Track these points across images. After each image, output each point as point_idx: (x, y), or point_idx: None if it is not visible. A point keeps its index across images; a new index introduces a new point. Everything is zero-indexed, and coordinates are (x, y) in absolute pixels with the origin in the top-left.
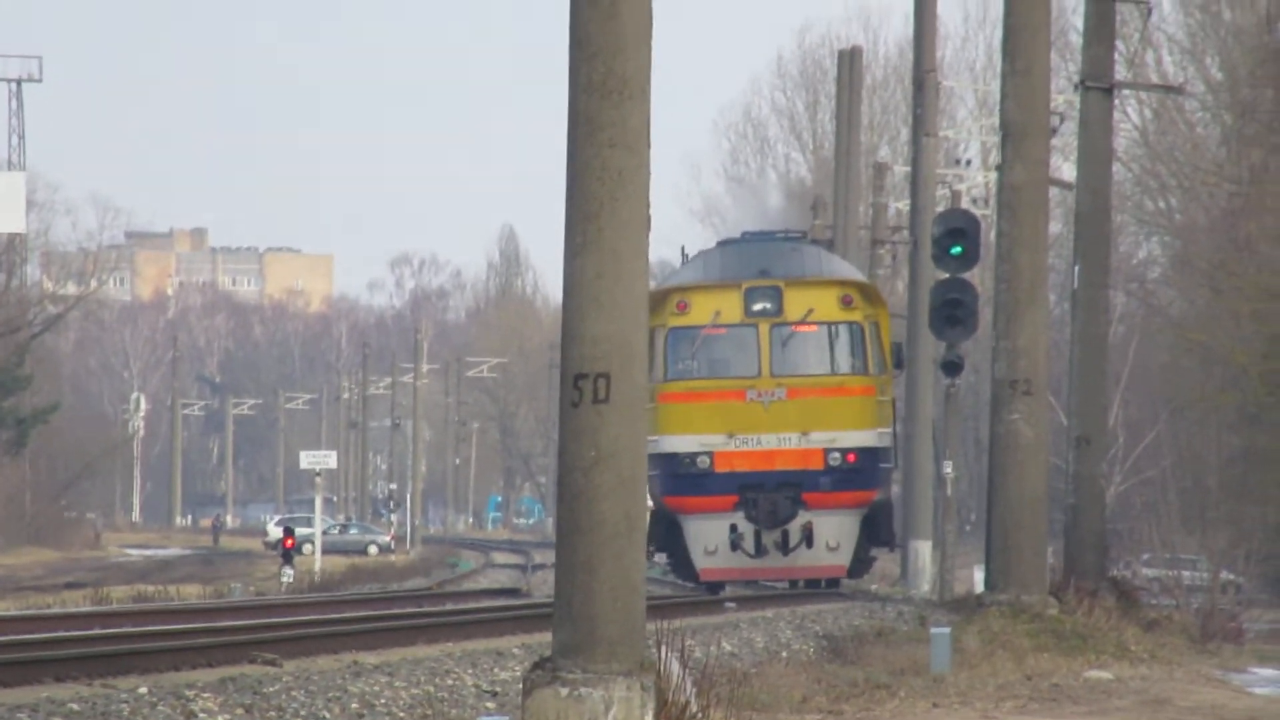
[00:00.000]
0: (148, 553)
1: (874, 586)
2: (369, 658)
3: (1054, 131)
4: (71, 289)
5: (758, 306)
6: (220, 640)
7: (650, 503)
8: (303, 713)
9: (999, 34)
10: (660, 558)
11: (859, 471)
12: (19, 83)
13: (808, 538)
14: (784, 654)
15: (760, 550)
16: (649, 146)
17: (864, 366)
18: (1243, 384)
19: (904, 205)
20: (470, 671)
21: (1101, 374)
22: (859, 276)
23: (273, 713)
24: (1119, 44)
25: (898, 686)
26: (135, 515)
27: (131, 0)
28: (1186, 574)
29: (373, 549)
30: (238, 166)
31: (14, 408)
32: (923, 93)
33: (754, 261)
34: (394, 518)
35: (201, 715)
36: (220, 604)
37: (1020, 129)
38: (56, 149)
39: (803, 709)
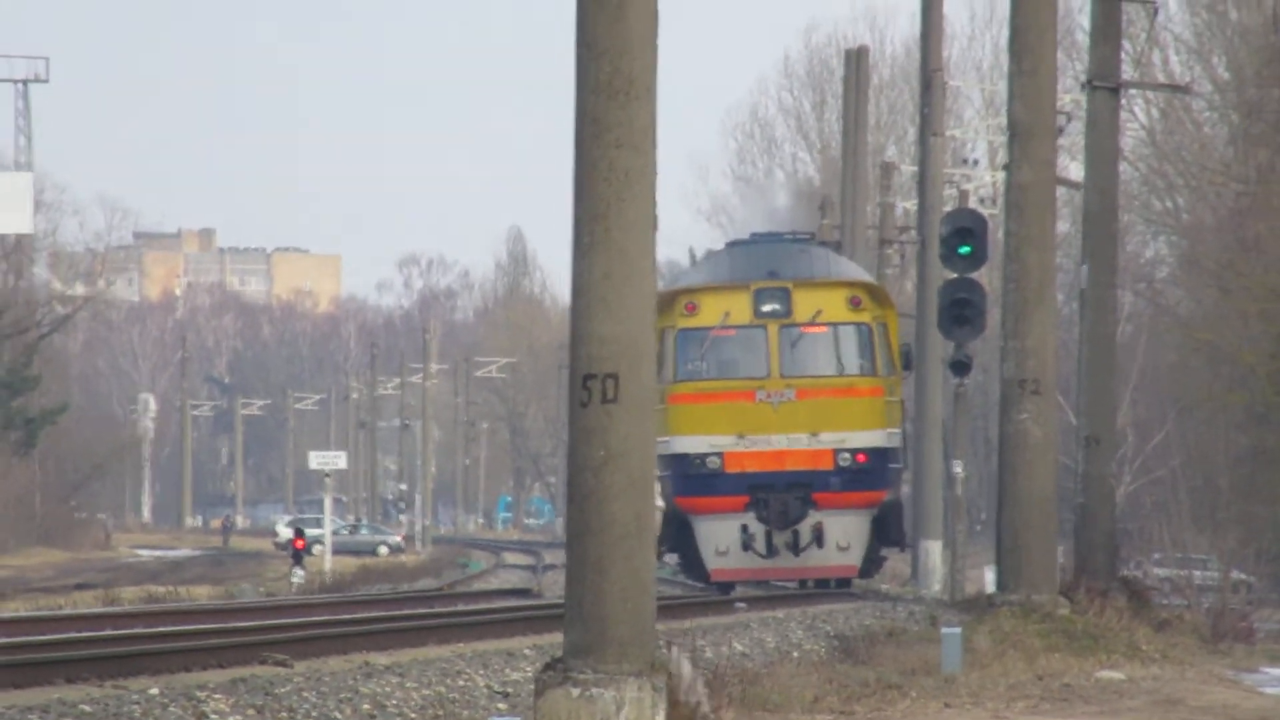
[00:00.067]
0: (158, 553)
1: (884, 586)
2: (380, 658)
3: (1061, 131)
4: (80, 289)
5: (767, 308)
6: (231, 641)
7: (661, 503)
8: (314, 713)
9: (1006, 34)
10: (670, 558)
11: (869, 472)
12: (26, 83)
13: (818, 538)
14: (795, 654)
15: (771, 550)
16: (655, 146)
17: (873, 367)
18: (1251, 383)
19: (911, 205)
20: (482, 672)
21: (1110, 373)
22: (867, 278)
23: (284, 713)
24: (1126, 44)
25: (909, 686)
26: (145, 516)
27: (138, 1)
28: (1197, 573)
29: (383, 549)
30: (246, 167)
31: (23, 408)
32: (930, 92)
33: (763, 263)
34: (404, 518)
35: (213, 716)
36: (231, 605)
37: (1027, 129)
38: (64, 150)
39: (814, 709)
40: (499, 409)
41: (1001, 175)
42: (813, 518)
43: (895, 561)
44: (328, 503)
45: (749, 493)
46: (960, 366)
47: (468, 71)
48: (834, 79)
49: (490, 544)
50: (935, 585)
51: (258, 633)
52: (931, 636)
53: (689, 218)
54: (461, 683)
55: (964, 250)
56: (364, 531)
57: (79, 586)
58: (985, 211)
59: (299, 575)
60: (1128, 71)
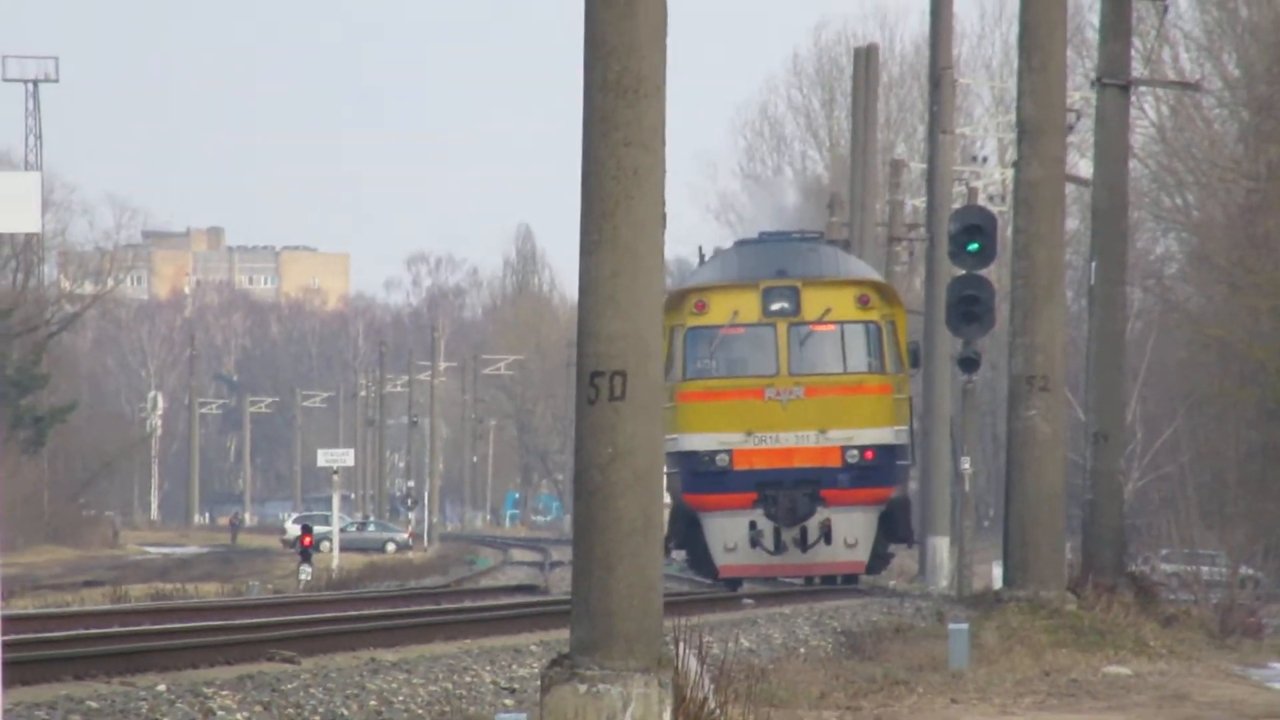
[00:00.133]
0: (166, 551)
1: (892, 583)
2: (387, 655)
3: (1071, 128)
4: (88, 288)
5: (775, 306)
6: (238, 638)
7: (670, 500)
8: (321, 710)
9: (1015, 31)
10: (678, 554)
11: (877, 469)
12: (35, 83)
13: (826, 534)
14: (802, 650)
15: (779, 547)
16: (664, 145)
17: (881, 365)
18: (1260, 379)
19: (920, 202)
20: (488, 668)
21: (1119, 370)
22: (876, 276)
23: (291, 710)
24: (1135, 41)
25: (916, 682)
26: (153, 513)
27: (147, 0)
28: (1205, 569)
29: (390, 546)
30: (254, 165)
31: (32, 406)
32: (939, 90)
33: (771, 261)
34: (412, 515)
35: (220, 713)
36: (238, 602)
37: (1037, 126)
38: (73, 149)
39: (821, 705)
40: (507, 406)
41: (1011, 172)
42: (821, 514)
43: (903, 558)
44: (335, 500)
45: (757, 490)
46: (969, 363)
47: (477, 69)
48: (843, 77)
49: (498, 541)
50: (943, 581)
51: (265, 630)
52: (939, 632)
53: (698, 216)
54: (468, 679)
55: (973, 247)
56: (371, 528)
57: (87, 584)
58: (994, 209)
59: (306, 572)
60: (1138, 69)
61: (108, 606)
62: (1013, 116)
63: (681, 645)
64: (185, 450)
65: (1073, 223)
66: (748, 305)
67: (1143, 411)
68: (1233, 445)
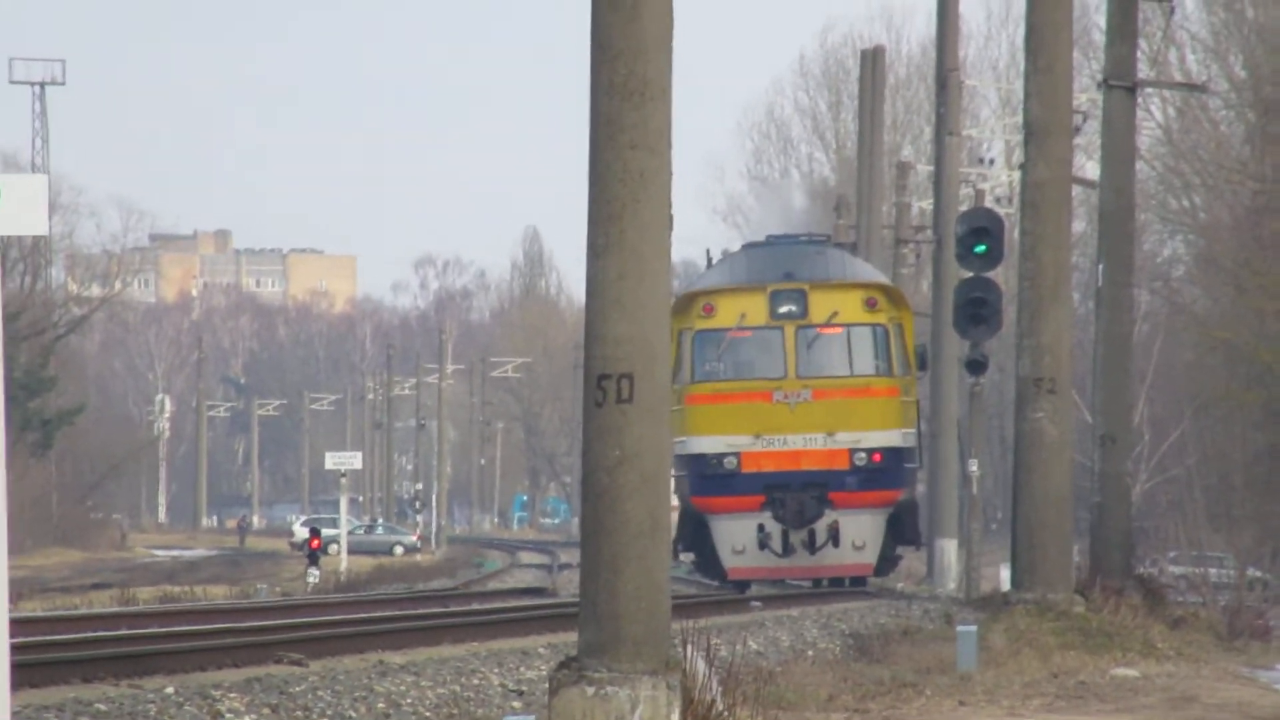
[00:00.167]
0: (174, 553)
1: (900, 585)
2: (395, 657)
3: (1077, 130)
4: (96, 291)
5: (783, 309)
6: (246, 640)
7: (678, 503)
8: (329, 712)
9: (1022, 33)
10: (686, 557)
11: (884, 471)
12: (42, 85)
13: (834, 537)
14: (810, 652)
15: (787, 549)
16: (671, 147)
17: (888, 368)
18: (1267, 381)
19: (927, 204)
20: (496, 671)
21: (1126, 372)
22: (883, 279)
23: (299, 712)
24: (1142, 42)
25: (924, 685)
26: (161, 516)
27: (153, 2)
28: (1213, 571)
29: (398, 549)
30: (261, 168)
31: (39, 409)
32: (946, 92)
33: (779, 265)
34: (420, 518)
35: (228, 715)
36: (246, 604)
37: (1043, 127)
38: (80, 152)
39: (829, 707)
40: (514, 409)
41: (1017, 174)
42: (829, 517)
43: (911, 560)
44: (343, 503)
45: (765, 492)
46: (976, 365)
47: (483, 72)
48: (850, 79)
49: (506, 543)
50: (951, 584)
51: (273, 632)
52: (947, 635)
53: (705, 218)
54: (476, 681)
55: (980, 249)
56: (379, 531)
57: (95, 586)
58: (1001, 210)
59: (314, 575)
60: (1144, 70)
61: (116, 609)
62: (1019, 118)
63: (689, 647)
64: (193, 453)
65: (1079, 225)
66: (755, 308)
67: (1150, 414)
68: (1240, 447)
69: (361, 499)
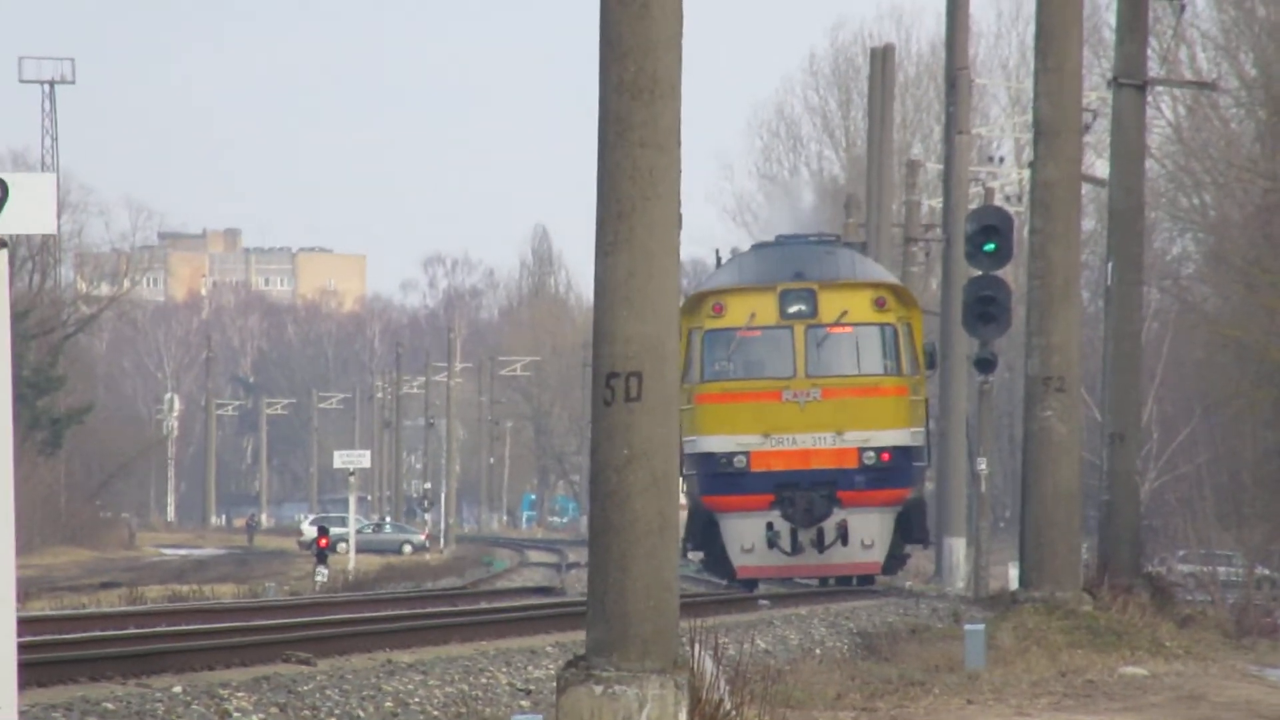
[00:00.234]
0: (182, 552)
1: (908, 584)
2: (403, 656)
3: (1087, 128)
4: (105, 290)
5: (793, 308)
6: (254, 639)
7: (689, 501)
8: (337, 711)
9: (1032, 31)
10: (694, 555)
11: (893, 470)
12: (52, 84)
13: (843, 535)
14: (818, 651)
15: (796, 548)
16: (680, 145)
17: (897, 367)
18: (1278, 380)
19: (937, 203)
20: (504, 670)
21: (1135, 370)
22: (892, 279)
23: (307, 712)
24: (1152, 40)
25: (932, 683)
26: (170, 515)
27: (163, 1)
28: (1222, 570)
29: (407, 548)
30: (271, 167)
31: (48, 408)
32: (955, 90)
33: (788, 264)
34: (428, 517)
35: (236, 714)
36: (254, 603)
37: (1053, 126)
38: (89, 150)
39: (837, 706)
40: (523, 408)
41: (1027, 173)
42: (837, 515)
43: (919, 559)
44: (352, 501)
45: (775, 491)
46: (985, 364)
47: (493, 70)
48: (860, 77)
49: (514, 542)
50: (959, 582)
51: (281, 631)
52: (955, 633)
53: (714, 216)
54: (484, 680)
55: (989, 248)
56: (388, 530)
57: (104, 585)
58: (1011, 209)
59: (323, 574)
60: (1154, 68)
61: (124, 608)
62: (1029, 117)
63: (697, 646)
64: (202, 452)
65: (1089, 223)
66: (765, 308)
67: (1159, 412)
68: (1249, 446)
69: (370, 498)
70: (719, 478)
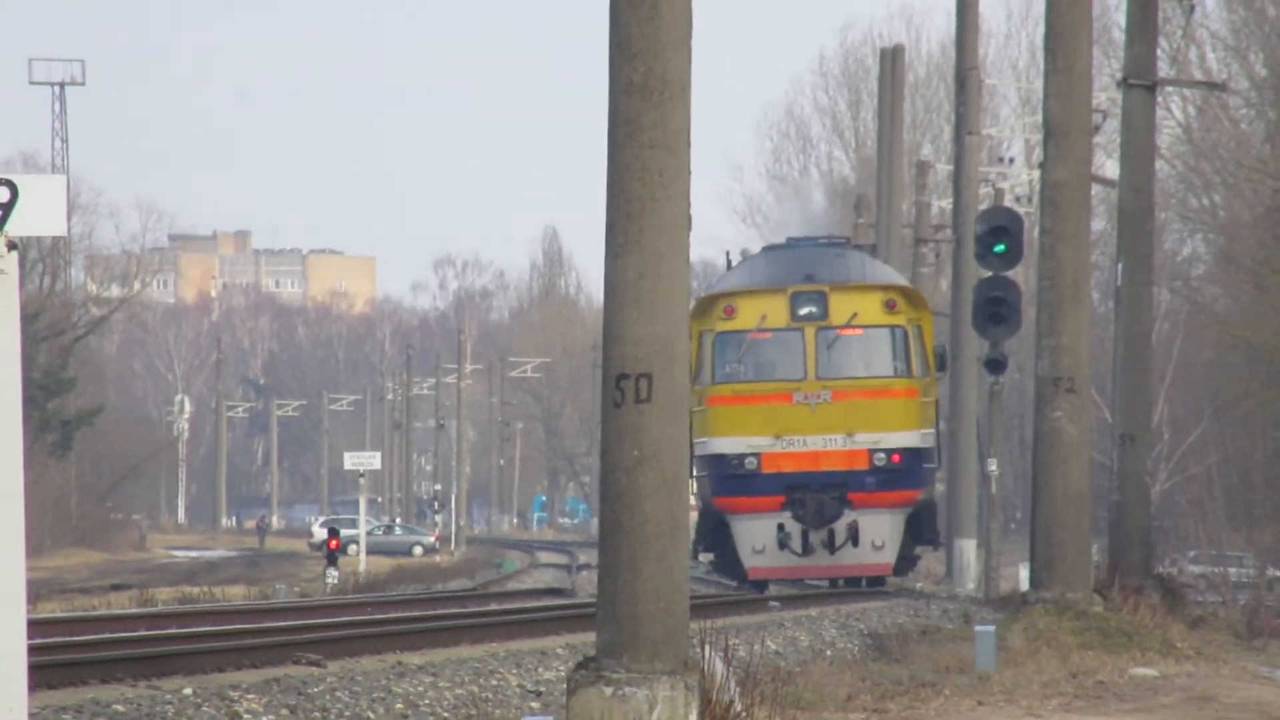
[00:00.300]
0: (193, 554)
1: (919, 585)
2: (413, 658)
3: (1097, 129)
4: (115, 291)
5: (803, 311)
6: (265, 641)
7: (700, 503)
8: (347, 713)
9: (1042, 31)
10: (705, 557)
11: (903, 471)
12: (62, 86)
13: (853, 537)
14: (828, 652)
15: (807, 549)
16: (690, 147)
17: (907, 369)
18: None
19: (947, 203)
20: (514, 671)
21: (1146, 371)
22: (902, 281)
23: (317, 713)
24: (1162, 41)
25: (943, 684)
26: (180, 517)
27: (173, 2)
28: (1232, 570)
29: (417, 550)
30: (281, 169)
31: (59, 410)
32: (965, 91)
33: (799, 266)
34: (439, 518)
35: (246, 716)
36: (265, 605)
37: (1063, 127)
38: (99, 152)
39: (847, 707)
40: (534, 409)
41: (1037, 173)
42: (848, 517)
43: (929, 560)
44: (362, 503)
45: (786, 492)
46: (995, 365)
47: (502, 72)
48: (869, 78)
49: (525, 544)
50: (970, 583)
51: (291, 633)
52: (965, 634)
53: (724, 217)
54: (494, 682)
55: (999, 249)
56: (398, 532)
57: (115, 587)
58: (1021, 209)
59: (333, 576)
60: (1164, 69)
61: (134, 610)
62: (1039, 117)
63: (707, 648)
64: (212, 454)
65: (1099, 224)
66: (776, 310)
67: (1170, 413)
68: (1260, 446)
69: (380, 499)
70: (730, 479)
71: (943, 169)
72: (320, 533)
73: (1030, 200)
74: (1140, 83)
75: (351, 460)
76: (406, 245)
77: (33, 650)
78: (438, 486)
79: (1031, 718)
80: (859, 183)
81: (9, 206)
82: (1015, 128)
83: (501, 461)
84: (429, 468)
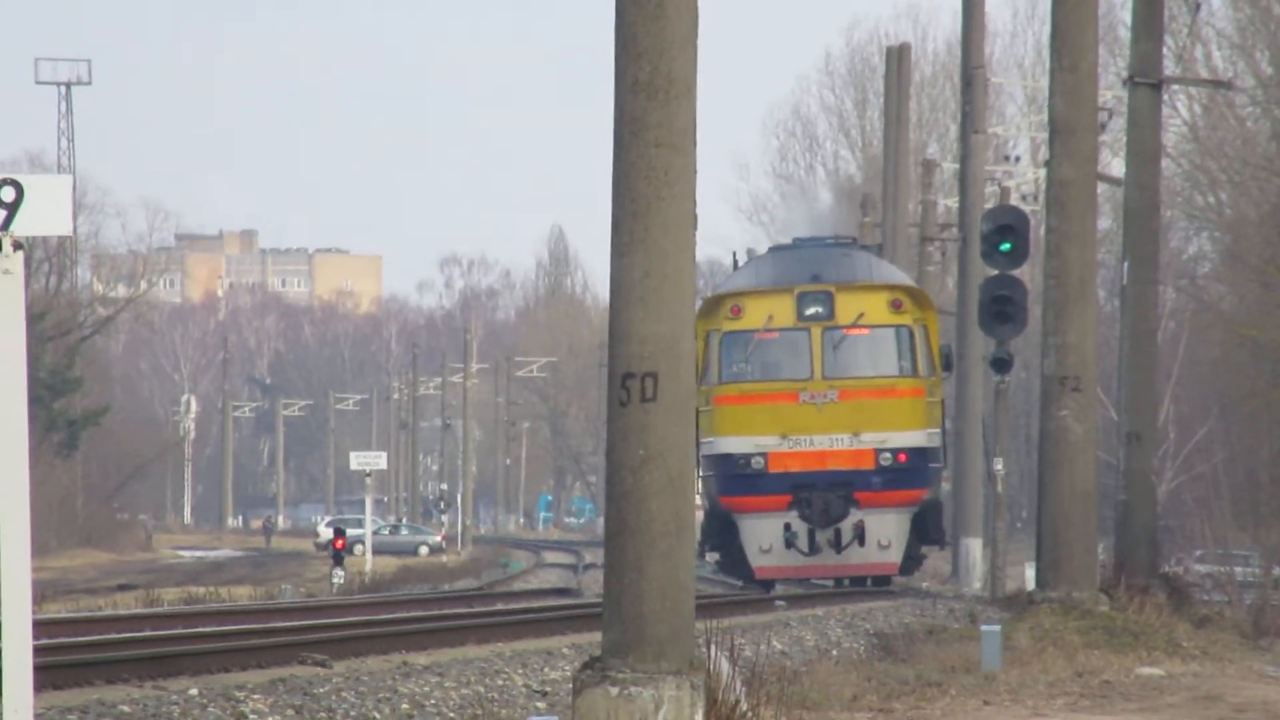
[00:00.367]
0: (199, 554)
1: (925, 584)
2: (419, 658)
3: (1103, 127)
4: (121, 291)
5: (810, 311)
6: (271, 641)
7: (706, 502)
8: (353, 713)
9: (1048, 30)
10: (711, 556)
11: (909, 471)
12: (68, 86)
13: (860, 536)
14: (834, 652)
15: (814, 548)
16: (695, 145)
17: (913, 369)
18: None
19: (953, 202)
20: (520, 671)
21: (1152, 370)
22: (908, 281)
23: (323, 714)
24: (1168, 39)
25: (949, 684)
26: (186, 517)
27: (180, 2)
28: (1239, 570)
29: (423, 549)
30: (287, 168)
31: (65, 410)
32: (971, 89)
33: (806, 267)
34: (445, 518)
35: (252, 716)
36: (271, 605)
37: (1068, 125)
38: (106, 152)
39: (853, 707)
40: (540, 408)
41: (1043, 172)
42: (854, 516)
43: (935, 559)
44: (368, 503)
45: (792, 492)
46: (1001, 363)
47: (508, 71)
48: (875, 76)
49: (531, 543)
50: (976, 582)
51: (297, 633)
52: (971, 634)
53: (730, 216)
54: (500, 682)
55: (1005, 247)
56: (404, 532)
57: (121, 588)
58: (1027, 208)
59: (339, 576)
60: (1170, 67)
61: (140, 610)
62: (1045, 116)
63: (713, 647)
64: (218, 453)
65: (1105, 222)
66: (782, 310)
67: (1176, 411)
68: (1266, 445)
69: (386, 499)
70: (737, 479)
71: (949, 168)
72: (326, 532)
73: (1036, 199)
74: (1146, 81)
75: (357, 460)
76: (413, 244)
77: (38, 651)
78: (444, 486)
79: (1037, 717)
80: (865, 181)
81: (15, 206)
82: (1021, 126)
83: (507, 461)
84: (435, 467)
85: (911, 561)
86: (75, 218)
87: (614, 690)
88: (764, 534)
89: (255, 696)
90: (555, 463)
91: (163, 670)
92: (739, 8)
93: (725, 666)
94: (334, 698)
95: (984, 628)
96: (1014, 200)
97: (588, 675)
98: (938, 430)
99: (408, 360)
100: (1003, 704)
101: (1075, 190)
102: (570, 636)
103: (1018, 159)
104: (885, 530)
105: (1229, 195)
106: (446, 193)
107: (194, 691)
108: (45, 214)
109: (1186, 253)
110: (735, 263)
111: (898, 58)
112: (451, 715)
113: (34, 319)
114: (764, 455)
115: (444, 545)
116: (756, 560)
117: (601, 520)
